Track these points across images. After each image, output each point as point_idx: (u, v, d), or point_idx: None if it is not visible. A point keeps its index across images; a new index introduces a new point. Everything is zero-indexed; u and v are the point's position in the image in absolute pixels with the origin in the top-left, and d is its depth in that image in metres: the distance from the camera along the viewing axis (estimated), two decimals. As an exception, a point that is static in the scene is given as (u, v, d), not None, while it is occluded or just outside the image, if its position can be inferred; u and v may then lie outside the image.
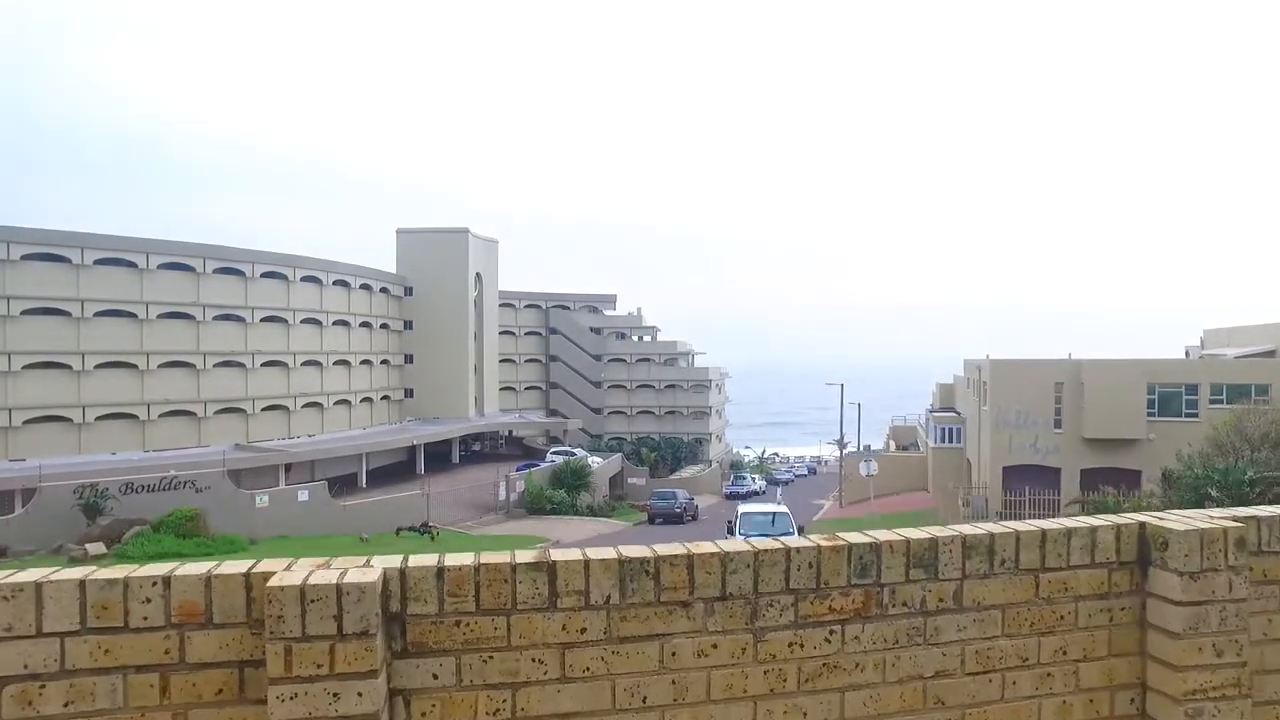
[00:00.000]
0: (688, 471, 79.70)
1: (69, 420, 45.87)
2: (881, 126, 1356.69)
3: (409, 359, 72.27)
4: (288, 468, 49.28)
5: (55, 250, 45.98)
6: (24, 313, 44.62)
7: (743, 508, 27.47)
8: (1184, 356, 51.09)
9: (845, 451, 68.88)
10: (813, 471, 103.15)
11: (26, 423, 44.24)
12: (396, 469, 60.35)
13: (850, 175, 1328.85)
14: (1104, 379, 40.76)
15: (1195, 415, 39.23)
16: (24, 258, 44.68)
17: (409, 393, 72.19)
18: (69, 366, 46.04)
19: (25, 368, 44.52)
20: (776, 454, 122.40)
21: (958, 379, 61.00)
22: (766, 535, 24.85)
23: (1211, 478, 26.15)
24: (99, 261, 47.41)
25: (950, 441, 55.02)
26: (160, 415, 49.34)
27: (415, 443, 61.68)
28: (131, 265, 48.70)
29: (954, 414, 57.41)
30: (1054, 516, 33.66)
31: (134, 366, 48.53)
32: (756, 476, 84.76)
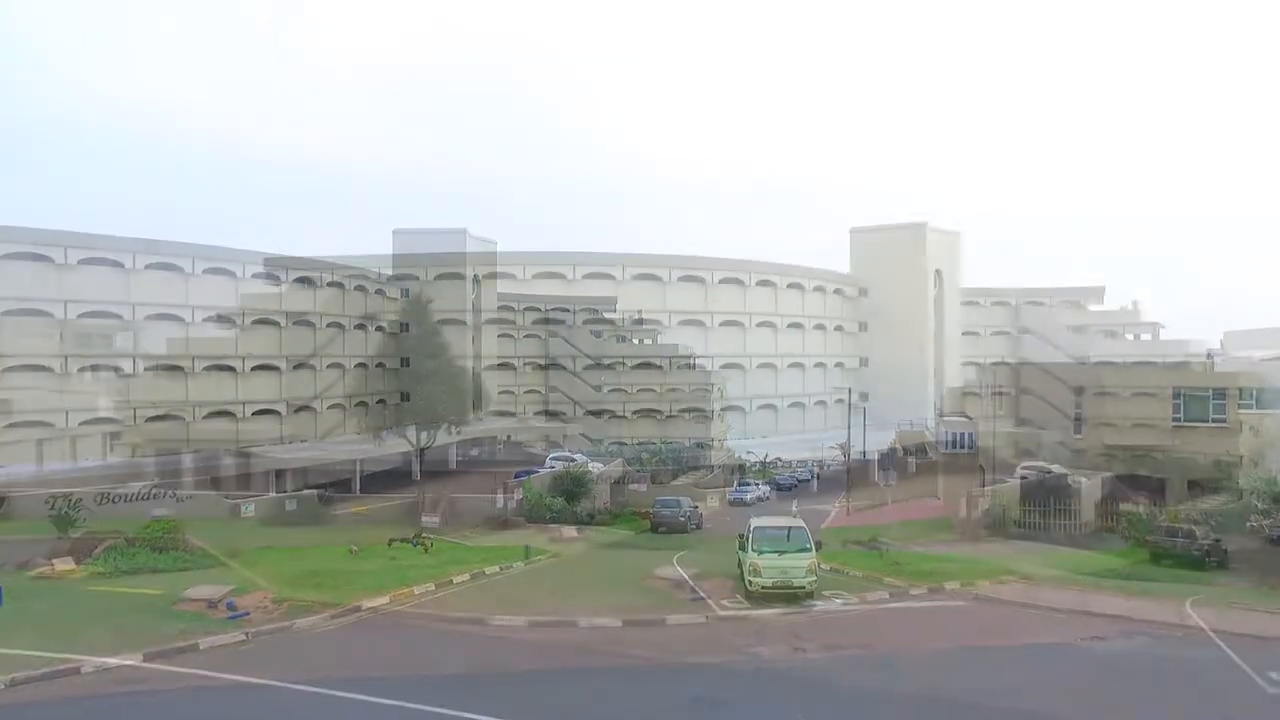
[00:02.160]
0: (690, 477, 77.99)
1: (51, 425, 44.36)
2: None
3: (405, 362, 70.52)
4: (279, 474, 47.69)
5: (38, 250, 44.51)
6: (4, 313, 43.19)
7: (755, 521, 25.60)
8: (1206, 359, 49.53)
9: (850, 456, 67.44)
10: (816, 476, 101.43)
11: (6, 428, 42.71)
12: (392, 475, 58.71)
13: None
14: (1127, 383, 39.17)
15: (1224, 421, 37.68)
16: (4, 257, 43.25)
17: (405, 396, 70.44)
18: (52, 370, 44.53)
19: (6, 370, 43.05)
20: (779, 458, 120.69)
21: (969, 383, 59.44)
22: (781, 551, 23.11)
23: (1256, 488, 24.59)
24: (83, 261, 45.96)
25: (962, 447, 53.46)
26: (147, 420, 47.82)
27: (411, 448, 59.94)
28: (118, 265, 47.24)
29: (965, 419, 55.82)
30: (1076, 526, 31.98)
31: (120, 370, 47.04)
32: (760, 481, 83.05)
